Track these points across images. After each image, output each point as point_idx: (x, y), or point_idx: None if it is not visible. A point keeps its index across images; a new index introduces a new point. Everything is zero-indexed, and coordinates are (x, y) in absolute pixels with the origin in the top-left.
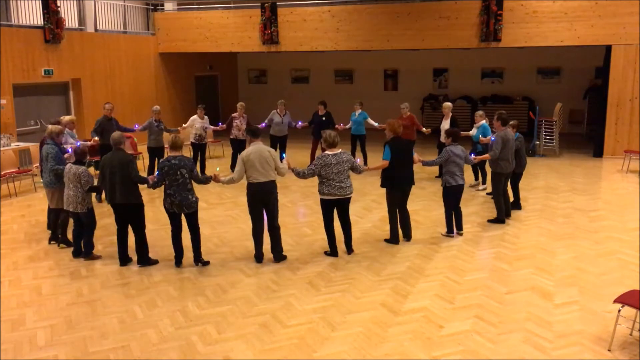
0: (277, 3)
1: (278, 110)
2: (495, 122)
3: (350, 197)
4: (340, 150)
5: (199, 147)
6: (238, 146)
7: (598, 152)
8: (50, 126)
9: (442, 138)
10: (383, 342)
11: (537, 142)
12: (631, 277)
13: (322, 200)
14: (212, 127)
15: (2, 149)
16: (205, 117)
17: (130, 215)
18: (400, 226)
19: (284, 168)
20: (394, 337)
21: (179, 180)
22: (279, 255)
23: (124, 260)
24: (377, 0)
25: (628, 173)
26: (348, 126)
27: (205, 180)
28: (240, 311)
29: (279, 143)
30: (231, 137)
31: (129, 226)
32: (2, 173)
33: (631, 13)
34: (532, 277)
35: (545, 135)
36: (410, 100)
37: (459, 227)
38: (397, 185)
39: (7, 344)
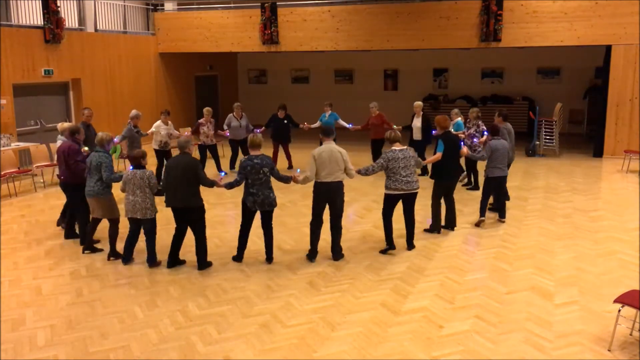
0: (277, 3)
1: (234, 113)
2: (496, 118)
3: (416, 192)
4: (406, 146)
5: (163, 154)
6: (206, 153)
7: (598, 152)
8: (100, 133)
9: (415, 135)
10: (383, 342)
11: (537, 142)
12: (631, 277)
13: (387, 195)
14: (178, 132)
15: (2, 149)
16: (170, 123)
17: (191, 219)
18: (447, 216)
19: (352, 170)
20: (394, 337)
21: (261, 179)
22: (338, 254)
23: (175, 262)
24: (377, 0)
25: (628, 173)
26: (314, 126)
27: (286, 179)
28: (240, 311)
29: (239, 147)
30: (199, 143)
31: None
32: (2, 173)
33: (631, 13)
34: (532, 277)
35: (545, 135)
36: (410, 100)
37: (502, 215)
38: (446, 176)
39: (7, 344)
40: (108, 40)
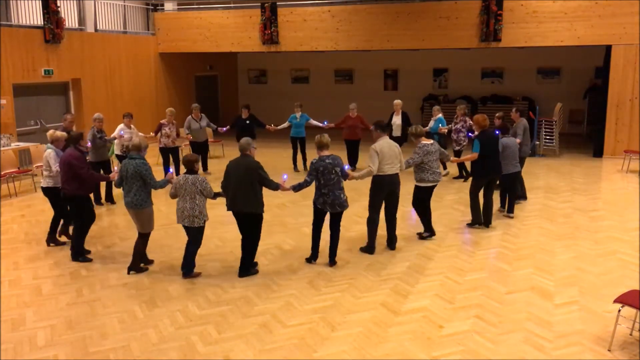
0: (277, 3)
1: (193, 115)
2: (513, 113)
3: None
4: (432, 140)
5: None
6: (168, 155)
7: (598, 152)
8: (137, 139)
9: (395, 132)
10: (383, 342)
11: (537, 142)
12: (631, 277)
13: (421, 188)
14: (142, 134)
15: (2, 149)
16: (133, 126)
17: (248, 224)
18: (483, 212)
19: (403, 163)
20: (394, 337)
21: (333, 179)
22: (394, 244)
23: (247, 270)
24: (377, 0)
25: (628, 173)
26: (281, 127)
27: (345, 176)
28: (240, 311)
29: (200, 149)
30: (160, 145)
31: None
32: (2, 173)
33: (631, 13)
34: (532, 277)
35: (545, 135)
36: (410, 100)
37: (510, 210)
38: (485, 174)
39: (7, 344)
40: (108, 40)
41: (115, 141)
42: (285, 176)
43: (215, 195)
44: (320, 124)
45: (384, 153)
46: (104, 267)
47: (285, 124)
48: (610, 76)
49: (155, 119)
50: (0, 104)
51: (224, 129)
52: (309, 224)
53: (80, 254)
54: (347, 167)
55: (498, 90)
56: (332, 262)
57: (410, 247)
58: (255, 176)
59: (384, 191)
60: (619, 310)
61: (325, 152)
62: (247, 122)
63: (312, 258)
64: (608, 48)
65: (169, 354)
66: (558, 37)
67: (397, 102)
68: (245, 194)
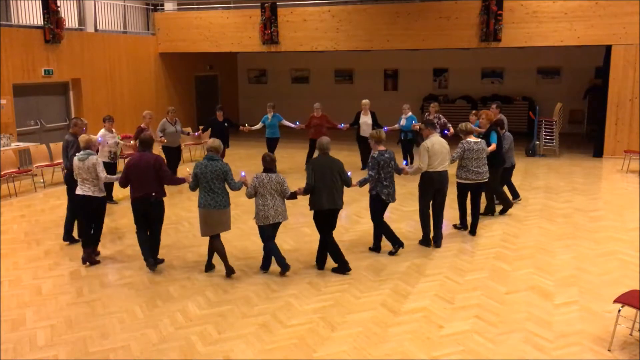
0: (277, 3)
1: (168, 118)
2: (494, 109)
3: (485, 182)
4: (479, 139)
5: (113, 167)
6: None
7: (598, 152)
8: (217, 141)
9: (363, 132)
10: (383, 342)
11: (537, 142)
12: (631, 277)
13: (457, 184)
14: (123, 142)
15: (2, 149)
16: (114, 130)
17: (334, 219)
18: (487, 205)
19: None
20: (394, 337)
21: (390, 172)
22: (440, 240)
23: (345, 264)
24: (377, 0)
25: (628, 173)
26: (254, 128)
27: (399, 171)
28: (240, 311)
29: (175, 154)
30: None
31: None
32: (2, 173)
33: (631, 13)
34: (532, 277)
35: (545, 135)
36: (410, 100)
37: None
38: (494, 165)
39: (7, 344)
40: (108, 40)
41: (99, 147)
42: (349, 173)
43: (291, 195)
44: (293, 125)
45: (435, 150)
46: (104, 267)
47: (258, 125)
48: (610, 76)
49: (155, 119)
50: (0, 104)
51: (197, 134)
52: (309, 224)
53: (156, 261)
54: (405, 162)
55: (498, 90)
56: (401, 244)
57: (411, 247)
58: (340, 173)
59: (433, 187)
60: (619, 310)
61: (382, 147)
62: (225, 124)
63: (397, 247)
64: (608, 48)
65: (169, 354)
66: (558, 37)
67: (365, 101)
68: (337, 191)
